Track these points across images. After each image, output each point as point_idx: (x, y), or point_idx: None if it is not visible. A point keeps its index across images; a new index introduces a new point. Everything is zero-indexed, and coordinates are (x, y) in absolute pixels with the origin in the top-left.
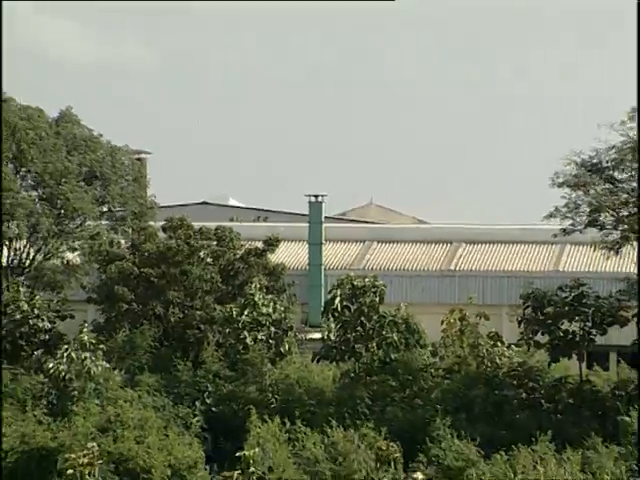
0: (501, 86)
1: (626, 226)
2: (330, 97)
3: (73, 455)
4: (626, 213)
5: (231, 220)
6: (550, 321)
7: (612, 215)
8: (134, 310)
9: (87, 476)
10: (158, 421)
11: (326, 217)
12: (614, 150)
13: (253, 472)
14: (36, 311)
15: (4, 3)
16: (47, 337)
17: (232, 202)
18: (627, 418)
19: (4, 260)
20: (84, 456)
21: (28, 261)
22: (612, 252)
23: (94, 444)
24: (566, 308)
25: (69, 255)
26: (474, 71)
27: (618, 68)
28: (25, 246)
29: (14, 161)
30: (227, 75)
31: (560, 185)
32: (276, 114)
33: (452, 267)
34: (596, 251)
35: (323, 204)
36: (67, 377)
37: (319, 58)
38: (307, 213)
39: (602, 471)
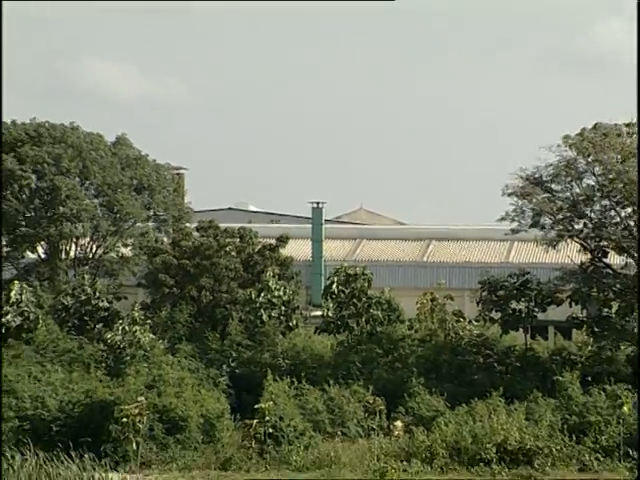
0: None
1: (561, 227)
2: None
3: (126, 407)
4: (561, 217)
5: (250, 222)
6: (502, 302)
7: (550, 218)
8: (174, 293)
9: (137, 423)
10: (192, 380)
11: (325, 220)
12: (551, 167)
13: (268, 420)
14: (97, 294)
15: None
16: (106, 314)
17: (251, 208)
18: (561, 378)
19: (72, 254)
20: (135, 408)
21: (91, 254)
22: (550, 247)
23: (142, 398)
24: (514, 291)
25: (123, 250)
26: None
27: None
28: (88, 243)
29: (80, 175)
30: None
31: (509, 195)
32: (288, 137)
33: (425, 259)
34: (538, 247)
35: (323, 209)
36: (121, 345)
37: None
38: (310, 216)
39: (542, 419)
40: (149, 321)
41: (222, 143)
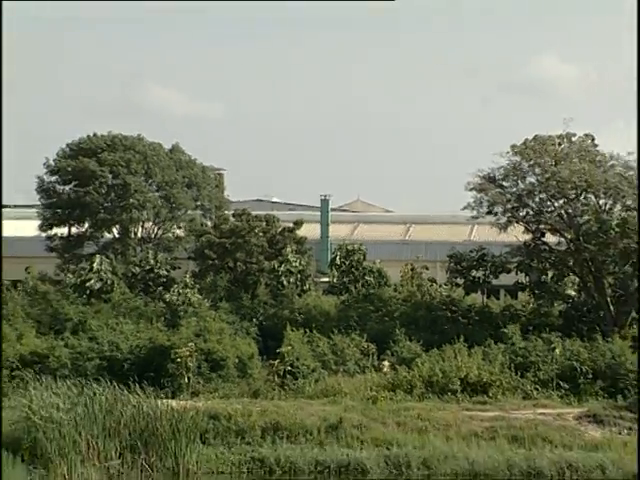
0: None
1: (509, 214)
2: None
3: (180, 350)
4: (509, 206)
5: (273, 210)
6: (464, 270)
7: (501, 207)
8: (215, 264)
9: (188, 363)
10: (230, 330)
11: (331, 208)
12: (502, 169)
13: (287, 361)
14: (158, 264)
15: None
16: (164, 280)
17: (274, 199)
18: (508, 329)
19: (139, 234)
20: (186, 351)
21: (153, 235)
22: (502, 230)
23: (192, 344)
24: (474, 263)
25: (177, 231)
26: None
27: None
28: (151, 226)
29: (144, 175)
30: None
31: (470, 189)
32: (300, 143)
33: (406, 238)
34: (492, 229)
35: (329, 200)
36: (176, 304)
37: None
38: (319, 206)
39: (494, 360)
40: (197, 285)
41: (250, 149)
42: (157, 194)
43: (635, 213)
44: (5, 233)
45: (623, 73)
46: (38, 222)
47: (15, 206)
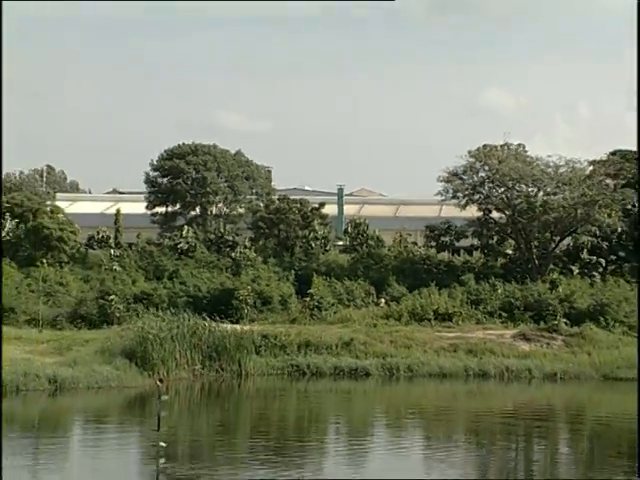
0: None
1: (467, 198)
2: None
3: (241, 291)
4: (467, 193)
5: (305, 195)
6: (436, 237)
7: (462, 193)
8: (265, 232)
9: (247, 300)
10: (275, 277)
11: (345, 194)
12: (462, 166)
13: (314, 298)
14: (227, 232)
15: None
16: (231, 243)
17: (306, 187)
18: (464, 277)
19: (213, 211)
20: (246, 291)
21: (223, 212)
22: (462, 209)
23: (249, 287)
24: (443, 231)
25: (240, 210)
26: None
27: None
28: (221, 206)
29: (217, 171)
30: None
31: (440, 181)
32: (324, 145)
33: (396, 215)
34: (455, 208)
35: (343, 188)
36: (239, 259)
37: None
38: (336, 192)
39: (456, 298)
40: (253, 247)
41: (289, 152)
42: (225, 184)
43: (553, 197)
44: (123, 211)
45: (544, 101)
46: (145, 203)
47: (130, 192)
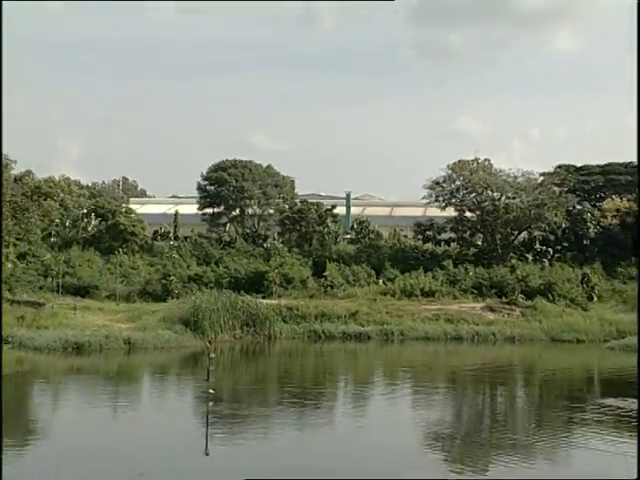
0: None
1: (446, 201)
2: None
3: (270, 273)
4: (446, 197)
5: (320, 199)
6: (423, 231)
7: (442, 197)
8: (290, 228)
9: (275, 279)
10: (297, 263)
11: (352, 198)
12: (442, 177)
13: (328, 279)
14: (260, 228)
15: None
16: (264, 236)
17: (321, 193)
18: (445, 262)
19: (250, 212)
20: (274, 273)
21: (257, 212)
22: (442, 210)
23: (277, 270)
24: (428, 227)
25: (270, 210)
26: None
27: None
28: (256, 208)
29: (252, 181)
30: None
31: (426, 188)
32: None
33: (392, 214)
34: (437, 209)
35: (350, 193)
36: (269, 248)
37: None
38: (345, 196)
39: (438, 278)
40: (280, 239)
41: (306, 166)
42: (259, 191)
43: (512, 200)
44: (180, 211)
45: (505, 126)
46: (197, 206)
47: (186, 197)
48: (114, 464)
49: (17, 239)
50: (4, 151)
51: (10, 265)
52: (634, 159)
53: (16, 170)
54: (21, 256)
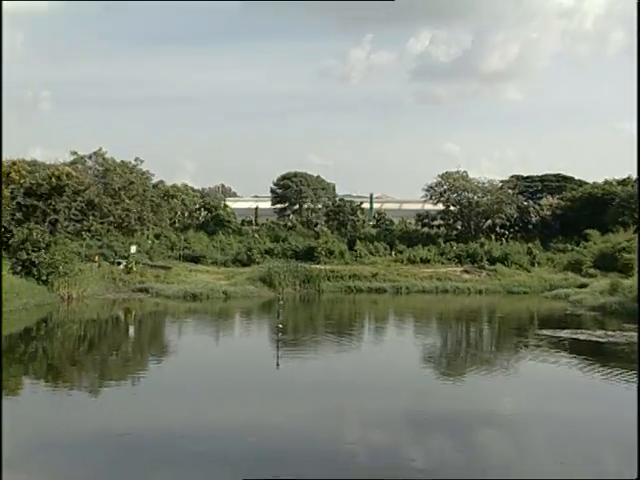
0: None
1: (437, 199)
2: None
3: (319, 248)
4: (437, 196)
5: (353, 198)
6: (422, 221)
7: (434, 197)
8: (332, 218)
9: (322, 251)
10: (338, 240)
11: (374, 197)
12: (435, 183)
13: (359, 252)
14: (312, 216)
15: None
16: (315, 224)
17: (353, 193)
18: (439, 240)
19: (306, 206)
20: (321, 248)
21: (310, 207)
22: (435, 205)
23: (323, 245)
24: (424, 218)
25: (319, 205)
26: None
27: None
28: (309, 204)
29: (307, 186)
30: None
31: (423, 190)
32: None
33: (401, 208)
34: (431, 205)
35: (373, 194)
36: (318, 231)
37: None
38: (369, 196)
39: (431, 251)
40: (326, 225)
41: (343, 176)
42: (311, 193)
43: (482, 199)
44: (259, 206)
45: (476, 149)
46: (270, 202)
47: (263, 196)
48: (218, 371)
49: (154, 225)
50: (147, 167)
51: (150, 242)
52: (561, 171)
53: (154, 180)
54: (156, 236)
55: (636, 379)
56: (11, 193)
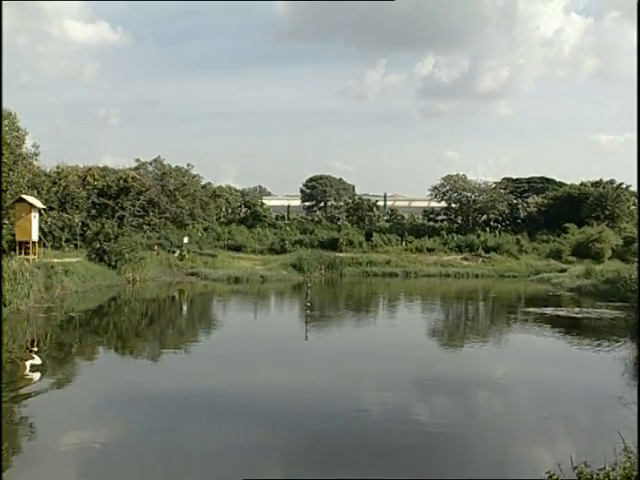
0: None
1: (440, 198)
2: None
3: (341, 239)
4: (441, 195)
5: (370, 198)
6: (429, 215)
7: (438, 196)
8: (352, 214)
9: (344, 242)
10: (357, 232)
11: (387, 196)
12: (439, 184)
13: (375, 242)
14: (335, 213)
15: None
16: (337, 218)
17: (370, 193)
18: (442, 232)
19: (329, 204)
20: (343, 240)
21: (333, 205)
22: (439, 202)
23: (345, 237)
24: (430, 213)
25: (340, 203)
26: None
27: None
28: (332, 202)
29: (332, 187)
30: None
31: (429, 190)
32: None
33: (410, 205)
34: (436, 202)
35: (386, 193)
36: (340, 225)
37: None
38: (383, 195)
39: (436, 242)
40: (347, 219)
41: (363, 180)
42: (334, 193)
43: (478, 198)
44: (291, 204)
45: (474, 156)
46: (300, 200)
47: (294, 195)
48: (256, 341)
49: (203, 220)
50: (197, 171)
51: (199, 234)
52: (545, 175)
53: (203, 182)
54: (205, 229)
55: (606, 347)
56: (87, 194)
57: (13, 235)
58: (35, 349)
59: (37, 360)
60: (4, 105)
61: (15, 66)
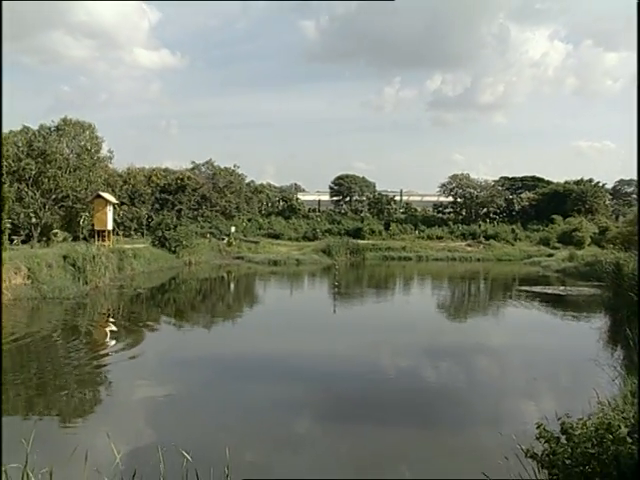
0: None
1: (447, 194)
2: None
3: (363, 229)
4: (448, 191)
5: (388, 193)
6: (438, 209)
7: (445, 192)
8: (372, 207)
9: (366, 231)
10: (377, 223)
11: (403, 192)
12: (447, 182)
13: (391, 232)
14: (359, 207)
15: None
16: (361, 211)
17: (388, 189)
18: (449, 222)
19: (354, 199)
20: (365, 228)
21: (357, 200)
22: (446, 197)
23: (367, 226)
24: (439, 207)
25: (363, 198)
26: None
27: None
28: (356, 197)
29: (356, 185)
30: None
31: (438, 187)
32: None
33: (422, 200)
34: (444, 197)
35: (402, 189)
36: (363, 217)
37: None
38: (399, 191)
39: (445, 232)
40: (369, 212)
41: (381, 177)
42: (358, 189)
43: (479, 194)
44: (321, 198)
45: (476, 159)
46: (328, 195)
47: (323, 191)
48: (292, 314)
49: (247, 212)
50: (242, 171)
51: (244, 224)
52: (535, 174)
53: (247, 180)
54: (249, 220)
55: (585, 318)
56: (152, 191)
57: (92, 225)
58: (112, 319)
59: (113, 327)
60: (87, 119)
61: (95, 87)
